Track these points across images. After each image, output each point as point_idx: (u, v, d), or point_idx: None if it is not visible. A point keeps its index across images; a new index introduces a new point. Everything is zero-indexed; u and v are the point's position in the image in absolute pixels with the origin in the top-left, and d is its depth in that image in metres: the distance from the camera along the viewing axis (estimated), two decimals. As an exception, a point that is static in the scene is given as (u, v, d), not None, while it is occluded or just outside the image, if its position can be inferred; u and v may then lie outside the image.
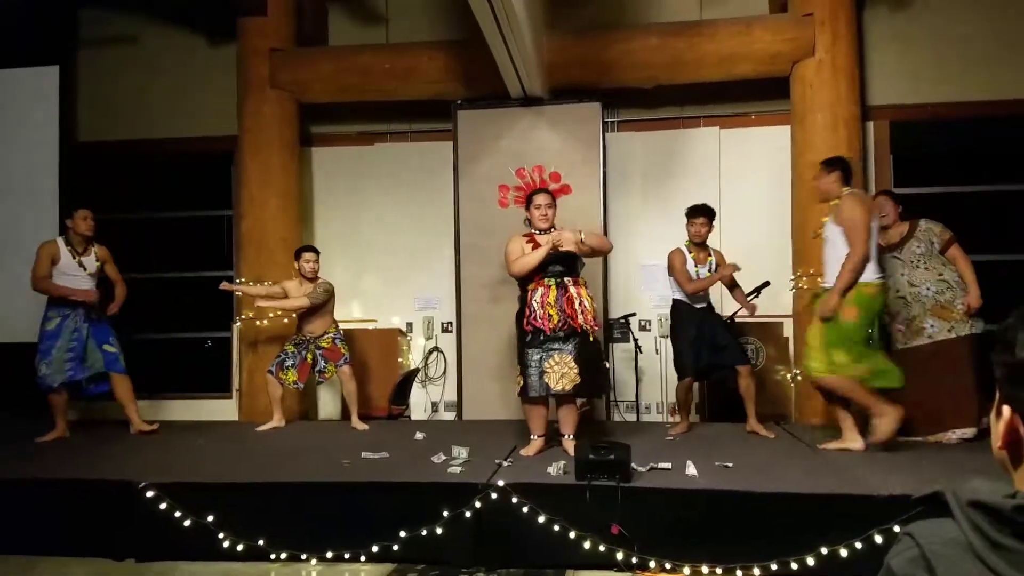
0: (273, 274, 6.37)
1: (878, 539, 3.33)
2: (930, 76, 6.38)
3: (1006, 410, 1.03)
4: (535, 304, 4.48)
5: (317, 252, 5.83)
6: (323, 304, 5.73)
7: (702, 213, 5.26)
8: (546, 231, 4.62)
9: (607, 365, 4.61)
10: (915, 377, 4.74)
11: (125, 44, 7.35)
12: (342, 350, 5.78)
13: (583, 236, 4.55)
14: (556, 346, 4.42)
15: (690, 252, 5.29)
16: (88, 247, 5.58)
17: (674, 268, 5.25)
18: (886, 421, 4.37)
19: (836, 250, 4.47)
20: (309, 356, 5.73)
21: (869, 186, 6.26)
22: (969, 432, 4.84)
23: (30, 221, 7.04)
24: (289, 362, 5.73)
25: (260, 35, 6.64)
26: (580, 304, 4.47)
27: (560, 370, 4.37)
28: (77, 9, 7.41)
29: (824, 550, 3.35)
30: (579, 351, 4.42)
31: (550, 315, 4.42)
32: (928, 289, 4.98)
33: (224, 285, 5.84)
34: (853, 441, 4.52)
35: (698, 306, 5.29)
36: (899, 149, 6.45)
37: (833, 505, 3.51)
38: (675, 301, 5.37)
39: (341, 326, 6.58)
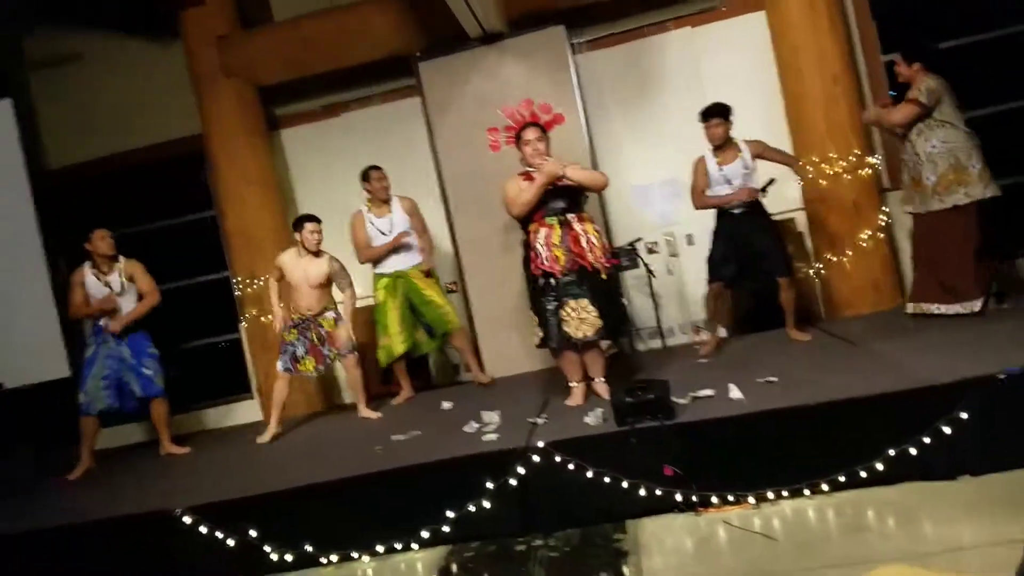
0: (265, 267, 6.16)
1: (946, 430, 3.18)
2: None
3: None
4: (539, 246, 4.25)
5: (319, 221, 5.40)
6: (325, 279, 5.38)
7: (712, 114, 5.00)
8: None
9: (624, 302, 4.34)
10: (930, 244, 4.79)
11: (72, 63, 7.07)
12: (346, 336, 5.42)
13: (568, 171, 4.24)
14: (570, 291, 4.19)
15: (715, 156, 5.04)
16: (113, 265, 5.50)
17: (693, 178, 5.09)
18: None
19: None
20: (314, 336, 5.34)
21: (857, 55, 5.96)
22: (977, 305, 4.65)
23: (15, 259, 6.79)
24: (300, 351, 5.35)
25: (203, 25, 6.37)
26: (587, 241, 4.23)
27: (578, 316, 4.16)
28: (19, 39, 7.12)
29: (892, 452, 3.20)
30: (594, 292, 4.19)
31: (556, 256, 4.20)
32: (937, 148, 4.69)
33: (276, 328, 5.42)
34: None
35: (735, 211, 5.03)
36: (880, 12, 6.07)
37: (892, 404, 3.33)
38: None
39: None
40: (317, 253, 5.34)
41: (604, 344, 4.49)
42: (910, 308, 4.94)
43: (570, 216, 4.27)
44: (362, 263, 5.73)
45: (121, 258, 5.58)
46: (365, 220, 5.64)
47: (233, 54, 6.33)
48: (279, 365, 5.35)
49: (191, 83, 6.51)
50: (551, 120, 4.48)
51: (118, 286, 5.47)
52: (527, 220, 4.37)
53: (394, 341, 5.56)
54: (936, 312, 4.77)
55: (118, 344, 5.47)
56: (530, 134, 4.35)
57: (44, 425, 6.65)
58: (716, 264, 5.11)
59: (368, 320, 5.96)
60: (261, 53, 6.37)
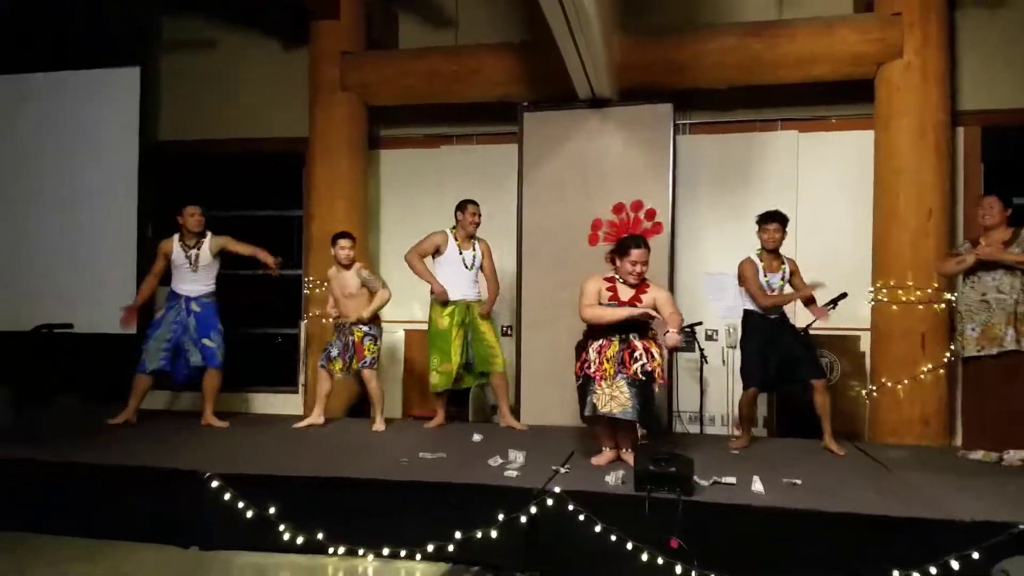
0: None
1: (955, 565, 3.15)
2: (1024, 80, 6.04)
3: None
4: (592, 352, 4.35)
5: (353, 239, 5.71)
6: (358, 289, 5.65)
7: (774, 219, 5.06)
8: (633, 286, 4.38)
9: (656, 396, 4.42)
10: (982, 388, 4.77)
11: (204, 48, 7.59)
12: (366, 351, 5.61)
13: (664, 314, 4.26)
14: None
15: (761, 261, 5.10)
16: (199, 240, 5.80)
17: (747, 279, 5.08)
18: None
19: None
20: (346, 342, 5.64)
21: (958, 194, 5.99)
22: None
23: (110, 218, 7.32)
24: (334, 352, 5.66)
25: (332, 38, 6.75)
26: (643, 353, 4.28)
27: (610, 392, 4.23)
28: (160, 15, 7.70)
29: (896, 573, 3.17)
30: (633, 382, 4.25)
31: (606, 369, 4.27)
32: (1013, 297, 4.69)
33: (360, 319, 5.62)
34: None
35: (771, 316, 5.09)
36: (990, 156, 6.12)
37: (908, 528, 3.32)
38: (746, 311, 5.19)
39: (404, 327, 6.53)
40: (349, 266, 5.65)
41: (640, 432, 4.59)
42: (979, 455, 4.80)
43: (632, 335, 4.33)
44: (407, 259, 5.71)
45: (208, 234, 5.83)
46: (449, 240, 5.70)
47: (353, 71, 6.69)
48: (319, 360, 5.76)
49: (308, 89, 6.88)
50: (651, 229, 4.59)
51: (203, 261, 5.75)
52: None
53: (455, 368, 5.63)
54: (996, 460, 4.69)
55: (188, 314, 5.73)
56: (637, 255, 4.32)
57: (97, 374, 7.03)
58: (752, 370, 5.11)
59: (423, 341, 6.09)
60: (380, 75, 6.72)
